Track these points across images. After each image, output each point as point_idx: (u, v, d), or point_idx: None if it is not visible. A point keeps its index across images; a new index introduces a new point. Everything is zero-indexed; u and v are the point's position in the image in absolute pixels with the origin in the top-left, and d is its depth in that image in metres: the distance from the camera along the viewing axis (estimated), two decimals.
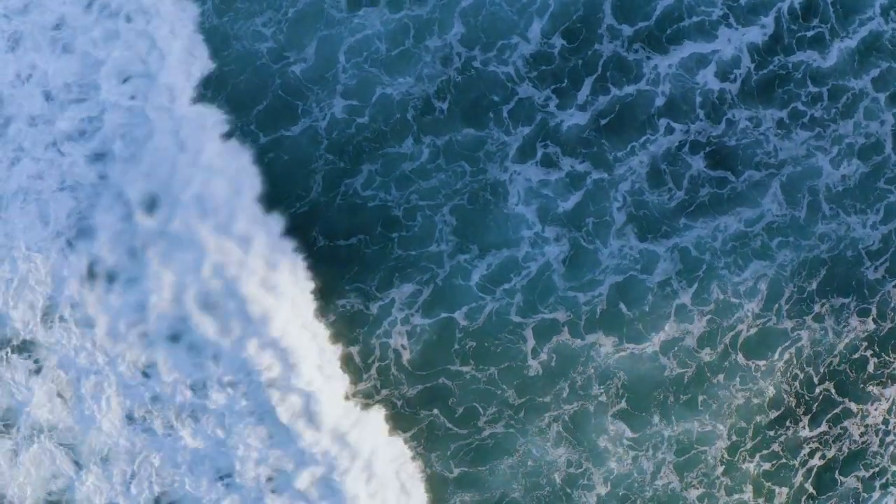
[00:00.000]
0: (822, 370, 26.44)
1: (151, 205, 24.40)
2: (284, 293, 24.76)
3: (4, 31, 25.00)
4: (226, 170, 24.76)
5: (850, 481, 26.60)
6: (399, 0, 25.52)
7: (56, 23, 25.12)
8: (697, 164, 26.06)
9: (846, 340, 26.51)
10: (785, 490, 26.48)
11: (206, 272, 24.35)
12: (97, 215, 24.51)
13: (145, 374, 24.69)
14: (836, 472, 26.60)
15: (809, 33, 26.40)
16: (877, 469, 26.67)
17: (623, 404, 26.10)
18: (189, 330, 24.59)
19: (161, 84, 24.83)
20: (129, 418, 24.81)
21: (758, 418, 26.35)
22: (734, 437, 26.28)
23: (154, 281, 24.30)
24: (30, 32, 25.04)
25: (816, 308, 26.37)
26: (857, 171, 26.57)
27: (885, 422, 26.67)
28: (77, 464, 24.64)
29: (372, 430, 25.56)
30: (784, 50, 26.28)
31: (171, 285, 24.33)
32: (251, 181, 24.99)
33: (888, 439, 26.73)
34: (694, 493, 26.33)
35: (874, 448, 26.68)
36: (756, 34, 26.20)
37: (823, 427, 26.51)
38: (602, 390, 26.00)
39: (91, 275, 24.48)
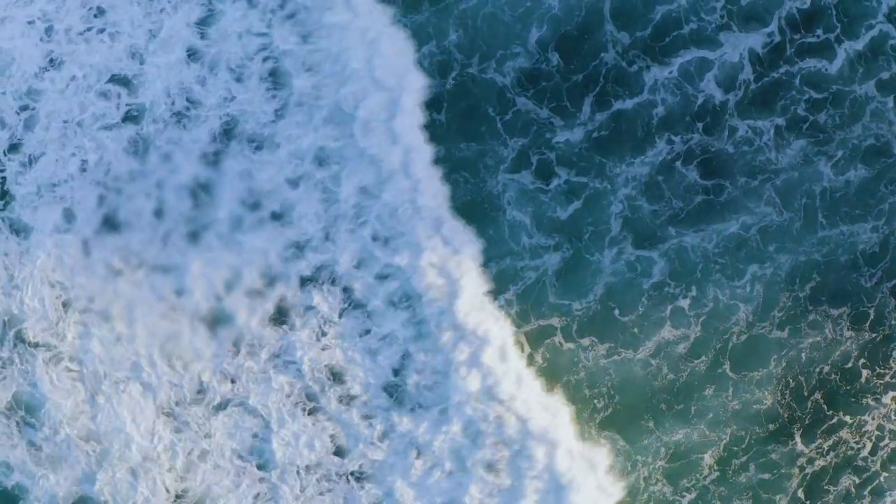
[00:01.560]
0: (816, 379, 26.42)
1: (196, 192, 24.26)
2: None
3: (37, 20, 24.59)
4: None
5: (841, 488, 26.71)
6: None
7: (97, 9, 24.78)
8: (697, 171, 25.79)
9: (842, 347, 26.40)
10: (777, 497, 26.64)
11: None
12: (129, 205, 24.21)
13: (171, 366, 24.52)
14: (828, 478, 26.68)
15: (812, 40, 25.87)
16: (869, 473, 26.74)
17: (616, 410, 26.19)
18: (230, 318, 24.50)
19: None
20: (162, 413, 24.62)
21: (751, 427, 26.43)
22: (726, 446, 26.39)
23: (191, 274, 24.09)
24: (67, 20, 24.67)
25: (812, 315, 26.24)
26: (859, 176, 26.18)
27: (881, 427, 26.66)
28: (101, 460, 24.59)
29: None
30: (786, 57, 25.77)
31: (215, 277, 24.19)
32: None
33: (882, 443, 26.74)
34: (687, 499, 26.54)
35: (865, 453, 26.70)
36: (757, 41, 25.68)
37: (819, 435, 26.54)
38: (594, 395, 26.10)
39: (118, 267, 24.14)
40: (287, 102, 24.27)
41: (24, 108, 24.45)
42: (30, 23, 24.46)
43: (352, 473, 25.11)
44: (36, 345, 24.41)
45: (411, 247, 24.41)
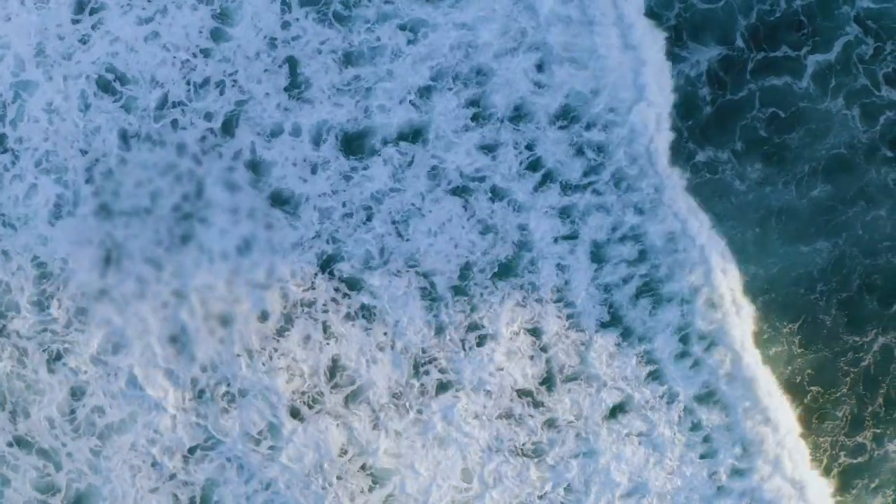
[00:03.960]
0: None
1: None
2: None
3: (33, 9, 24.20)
4: None
5: None
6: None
7: None
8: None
9: (797, 363, 26.38)
10: None
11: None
12: (134, 194, 23.85)
13: (176, 359, 24.14)
14: None
15: (778, 54, 25.16)
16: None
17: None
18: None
19: None
20: (166, 407, 24.14)
21: None
22: None
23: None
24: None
25: (771, 331, 26.17)
26: (821, 193, 25.77)
27: (833, 444, 26.67)
28: (101, 455, 24.17)
29: None
30: (749, 73, 25.12)
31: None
32: None
33: (837, 462, 26.79)
34: None
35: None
36: (714, 56, 25.06)
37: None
38: None
39: (108, 259, 23.63)
40: None
41: (17, 97, 23.99)
42: (22, 10, 24.12)
43: (369, 474, 25.11)
44: (28, 337, 23.95)
45: None
